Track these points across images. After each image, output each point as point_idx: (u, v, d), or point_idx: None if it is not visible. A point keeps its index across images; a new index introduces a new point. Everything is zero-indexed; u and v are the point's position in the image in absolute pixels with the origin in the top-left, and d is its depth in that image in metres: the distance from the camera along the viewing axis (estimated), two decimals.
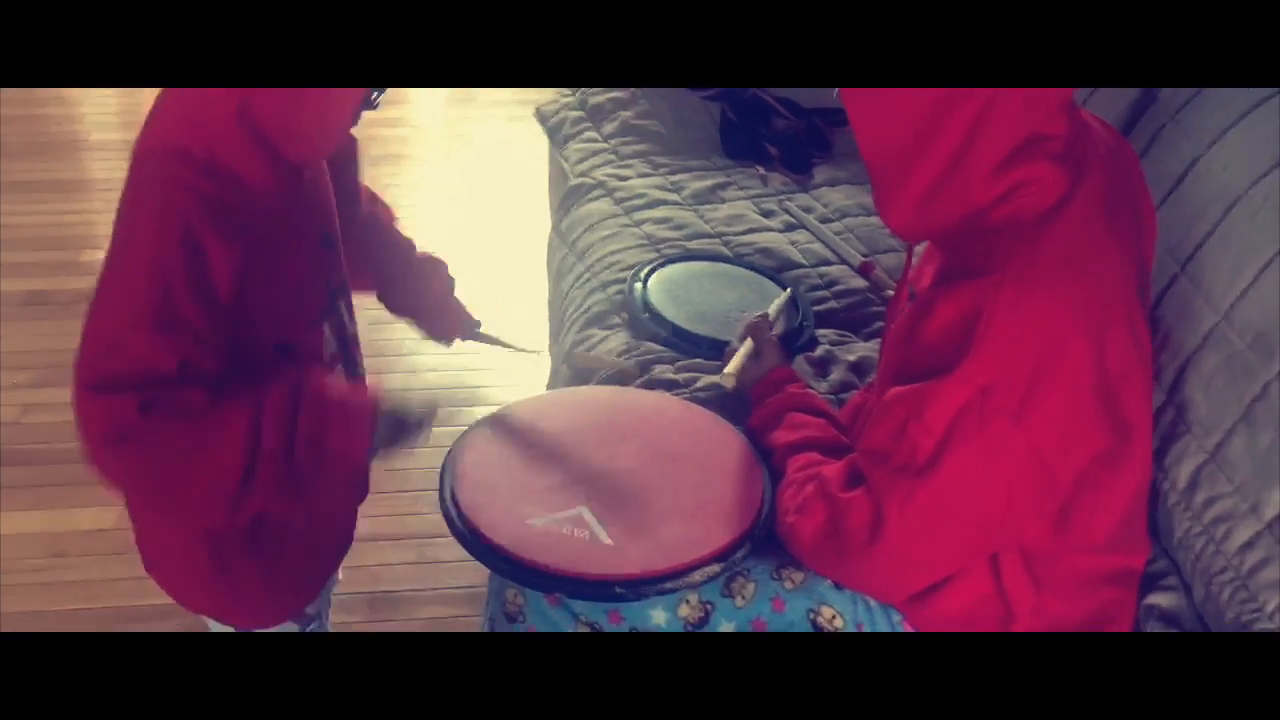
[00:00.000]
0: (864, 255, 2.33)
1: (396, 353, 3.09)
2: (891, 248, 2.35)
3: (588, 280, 2.32)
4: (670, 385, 1.91)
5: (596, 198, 2.59)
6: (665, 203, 2.54)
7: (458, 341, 1.86)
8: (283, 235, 1.42)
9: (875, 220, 2.36)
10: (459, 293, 1.83)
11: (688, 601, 1.51)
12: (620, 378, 1.95)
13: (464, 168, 4.31)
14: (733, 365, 1.72)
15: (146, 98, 1.41)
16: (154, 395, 1.29)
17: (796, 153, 2.73)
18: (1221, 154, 1.63)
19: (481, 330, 1.86)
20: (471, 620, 2.33)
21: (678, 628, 1.52)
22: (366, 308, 1.79)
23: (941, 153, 1.29)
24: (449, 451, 1.56)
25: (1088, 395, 1.29)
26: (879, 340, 1.91)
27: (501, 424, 1.63)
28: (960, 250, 1.36)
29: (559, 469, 1.54)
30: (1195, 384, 1.52)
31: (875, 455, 1.35)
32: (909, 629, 1.48)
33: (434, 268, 1.81)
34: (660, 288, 2.15)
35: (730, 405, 1.73)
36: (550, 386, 2.26)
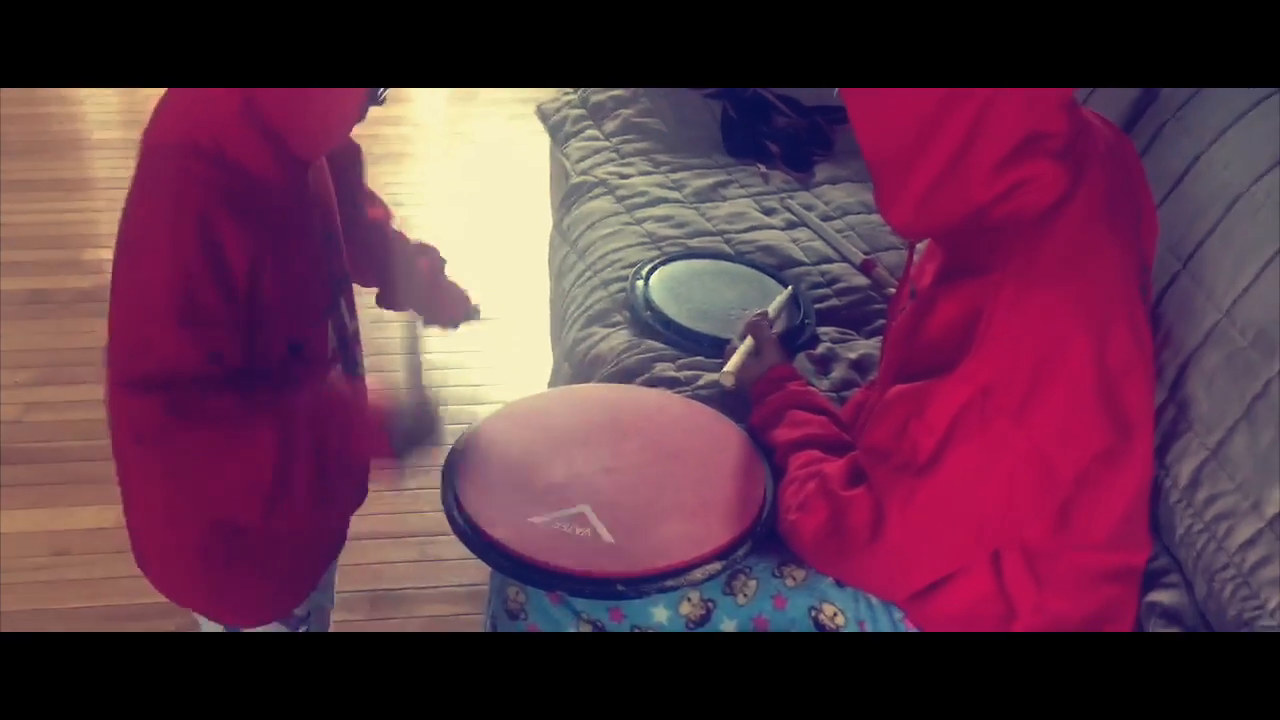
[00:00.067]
0: (865, 253, 2.33)
1: (397, 351, 3.07)
2: (893, 245, 2.35)
3: (589, 278, 2.32)
4: (672, 383, 1.91)
5: (598, 196, 2.59)
6: (666, 201, 2.54)
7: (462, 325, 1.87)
8: (290, 229, 1.43)
9: (876, 218, 2.36)
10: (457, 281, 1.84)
11: (689, 599, 1.51)
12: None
13: (465, 166, 4.31)
14: (732, 363, 1.72)
15: (147, 97, 1.41)
16: (183, 396, 1.31)
17: (798, 150, 2.73)
18: (1223, 151, 1.63)
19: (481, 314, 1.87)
20: (473, 618, 2.33)
21: (679, 625, 1.52)
22: (368, 306, 1.80)
23: (942, 151, 1.29)
24: (450, 450, 1.56)
25: (1089, 393, 1.29)
26: (880, 338, 1.91)
27: (503, 422, 1.63)
28: (961, 248, 1.36)
29: (561, 467, 1.54)
30: (1197, 381, 1.52)
31: (876, 453, 1.35)
32: (910, 627, 1.48)
33: (425, 253, 1.82)
34: (662, 286, 2.15)
35: (732, 403, 1.73)
36: (552, 384, 2.26)
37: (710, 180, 2.64)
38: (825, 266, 2.31)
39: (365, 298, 1.74)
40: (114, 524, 1.57)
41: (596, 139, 2.86)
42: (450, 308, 1.85)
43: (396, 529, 2.56)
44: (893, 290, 1.95)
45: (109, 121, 4.39)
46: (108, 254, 1.37)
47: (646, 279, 2.16)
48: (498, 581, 1.59)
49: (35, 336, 3.14)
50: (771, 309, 1.97)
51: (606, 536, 1.43)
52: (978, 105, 1.26)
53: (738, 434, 1.63)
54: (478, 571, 1.80)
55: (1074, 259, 1.29)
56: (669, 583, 1.40)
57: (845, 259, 2.33)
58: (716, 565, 1.42)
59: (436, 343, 1.90)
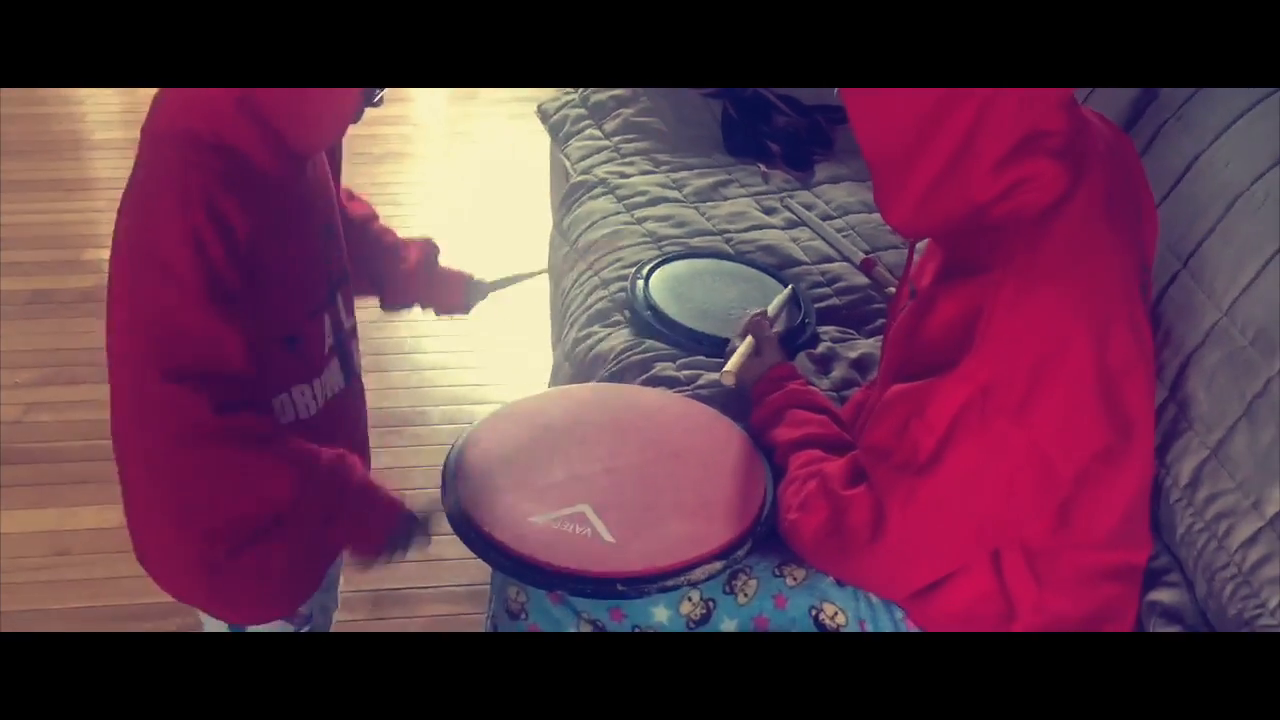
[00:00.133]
0: (866, 252, 2.33)
1: (396, 350, 3.09)
2: (893, 245, 2.35)
3: (589, 278, 2.32)
4: (672, 382, 1.91)
5: (598, 195, 2.59)
6: (667, 200, 2.54)
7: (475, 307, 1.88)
8: (288, 220, 1.44)
9: (877, 217, 2.35)
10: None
11: (690, 599, 1.51)
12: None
13: (465, 165, 4.31)
14: (733, 363, 1.72)
15: (147, 97, 1.41)
16: (226, 395, 1.33)
17: (798, 150, 2.73)
18: (1223, 150, 1.63)
19: (489, 283, 1.87)
20: (474, 618, 2.33)
21: (680, 625, 1.52)
22: (366, 306, 1.79)
23: (942, 150, 1.29)
24: (450, 449, 1.56)
25: (1089, 392, 1.29)
26: (881, 337, 1.91)
27: (503, 421, 1.63)
28: (961, 247, 1.36)
29: (561, 466, 1.54)
30: (1197, 380, 1.52)
31: (877, 452, 1.36)
32: (911, 626, 1.48)
33: (414, 245, 1.82)
34: (662, 285, 2.15)
35: (732, 402, 1.73)
36: (552, 384, 2.26)
37: (710, 180, 2.64)
38: (825, 266, 2.31)
39: (363, 298, 1.74)
40: (115, 524, 1.57)
41: (597, 138, 2.86)
42: (451, 293, 1.86)
43: None
44: (893, 289, 1.95)
45: (109, 121, 4.39)
46: (108, 254, 1.37)
47: (647, 278, 2.16)
48: (498, 581, 1.59)
49: (36, 337, 3.14)
50: (771, 308, 1.97)
51: (607, 536, 1.43)
52: (977, 104, 1.26)
53: (738, 433, 1.63)
54: (479, 571, 1.80)
55: (1074, 258, 1.29)
56: (669, 582, 1.40)
57: (845, 258, 2.33)
58: (717, 565, 1.42)
59: (435, 342, 1.91)
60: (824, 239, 2.40)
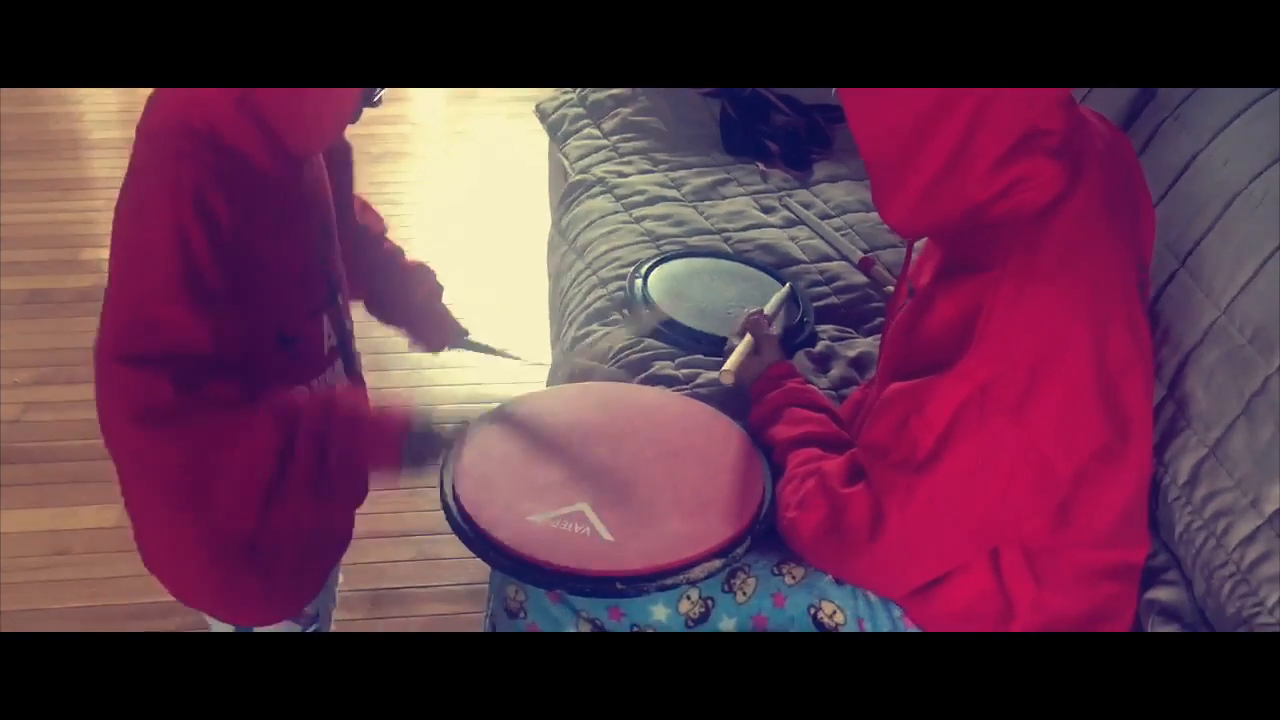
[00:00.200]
0: (864, 251, 2.33)
1: (395, 350, 3.07)
2: (892, 243, 2.35)
3: (588, 277, 2.32)
4: (671, 381, 1.91)
5: (596, 194, 2.59)
6: (665, 199, 2.54)
7: (446, 351, 1.87)
8: (284, 219, 1.43)
9: (875, 216, 2.36)
10: (450, 298, 1.84)
11: (688, 597, 1.51)
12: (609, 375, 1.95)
13: (464, 165, 4.31)
14: (732, 361, 1.72)
15: (145, 97, 1.41)
16: (189, 373, 1.31)
17: (796, 149, 2.73)
18: (1222, 149, 1.63)
19: (469, 339, 1.86)
20: (473, 617, 2.33)
21: (679, 623, 1.52)
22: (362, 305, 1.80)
23: (940, 150, 1.29)
24: (449, 448, 1.56)
25: (1087, 390, 1.29)
26: (879, 336, 1.91)
27: (502, 421, 1.63)
28: (959, 246, 1.36)
29: (559, 465, 1.54)
30: (1195, 379, 1.52)
31: (875, 451, 1.36)
32: (910, 624, 1.48)
33: (421, 275, 1.82)
34: (660, 284, 2.15)
35: (731, 401, 1.73)
36: (550, 383, 2.26)
37: (709, 179, 2.64)
38: (824, 265, 2.31)
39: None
40: (114, 523, 1.57)
41: (595, 137, 2.87)
42: (438, 333, 1.85)
43: (396, 528, 2.56)
44: (891, 288, 1.95)
45: (107, 121, 4.39)
46: (107, 253, 1.37)
47: (645, 277, 2.16)
48: (497, 580, 1.59)
49: (34, 336, 3.15)
50: (769, 306, 1.97)
51: (605, 535, 1.43)
52: (975, 104, 1.26)
53: (737, 432, 1.63)
54: (477, 570, 1.80)
55: (1072, 256, 1.29)
56: (668, 581, 1.40)
57: (844, 257, 2.33)
58: (716, 563, 1.42)
59: None
60: (822, 238, 2.40)
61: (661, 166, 2.70)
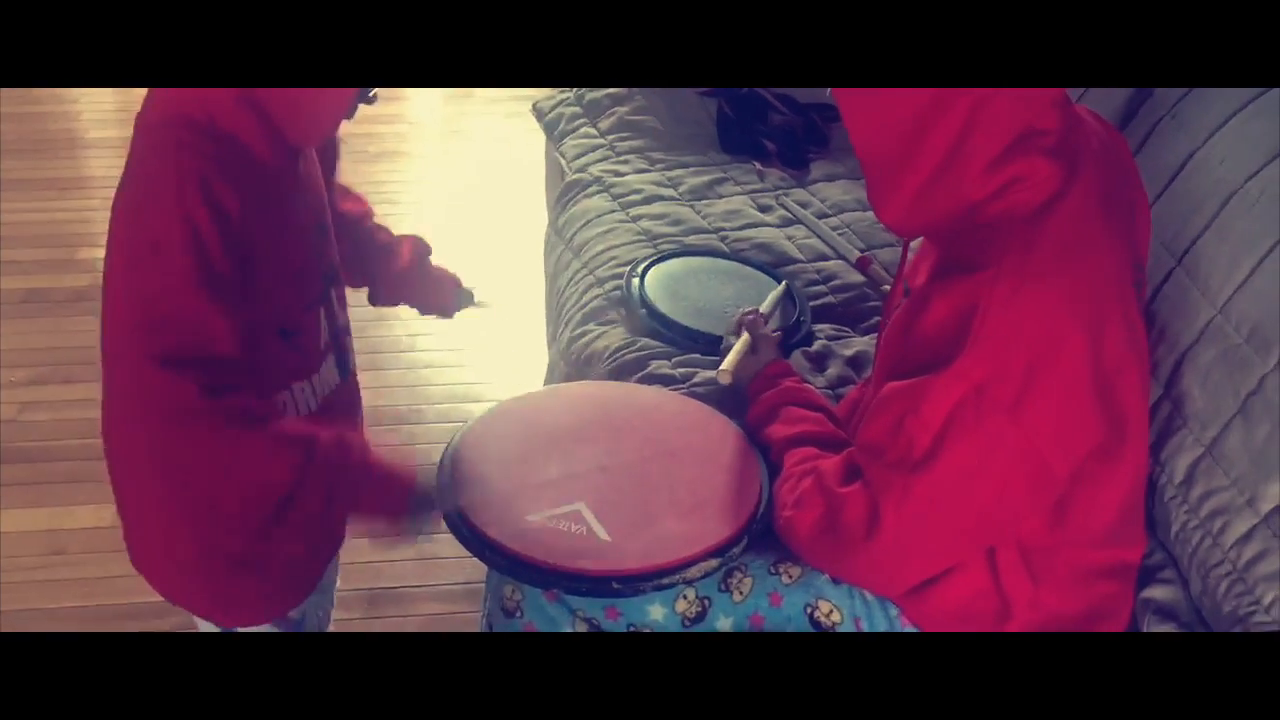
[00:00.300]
0: (861, 250, 2.33)
1: (392, 349, 3.09)
2: (888, 243, 2.35)
3: (585, 276, 2.32)
4: (667, 380, 1.91)
5: (593, 194, 2.59)
6: (662, 198, 2.54)
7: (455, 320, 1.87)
8: (283, 211, 1.43)
9: (872, 215, 2.35)
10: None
11: (685, 597, 1.51)
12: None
13: (461, 164, 4.31)
14: (729, 361, 1.72)
15: (142, 96, 1.41)
16: (216, 378, 1.31)
17: (793, 148, 2.73)
18: (1218, 148, 1.63)
19: (474, 295, 1.87)
20: (470, 616, 2.33)
21: (675, 623, 1.52)
22: (363, 304, 1.79)
23: (935, 149, 1.29)
24: (446, 448, 1.56)
25: (1083, 389, 1.29)
26: (876, 335, 1.91)
27: (498, 420, 1.63)
28: (955, 245, 1.36)
29: (556, 465, 1.54)
30: (1192, 377, 1.52)
31: (872, 450, 1.36)
32: (906, 623, 1.48)
33: (403, 242, 1.82)
34: (657, 283, 2.15)
35: (728, 400, 1.73)
36: (547, 382, 2.26)
37: (706, 178, 2.64)
38: (821, 264, 2.31)
39: (356, 296, 1.74)
40: (110, 523, 1.57)
41: (592, 136, 2.86)
42: (440, 295, 1.86)
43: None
44: (888, 287, 1.95)
45: (105, 120, 4.39)
46: (104, 253, 1.37)
47: (642, 277, 2.16)
48: (494, 580, 1.59)
49: (31, 336, 3.14)
50: (765, 305, 1.97)
51: (602, 534, 1.43)
52: (970, 104, 1.26)
53: (734, 431, 1.63)
54: (474, 570, 1.80)
55: (1068, 256, 1.29)
56: (665, 580, 1.40)
57: (841, 256, 2.33)
58: (712, 562, 1.42)
59: (431, 340, 1.91)
60: (819, 237, 2.40)
61: (658, 166, 2.70)
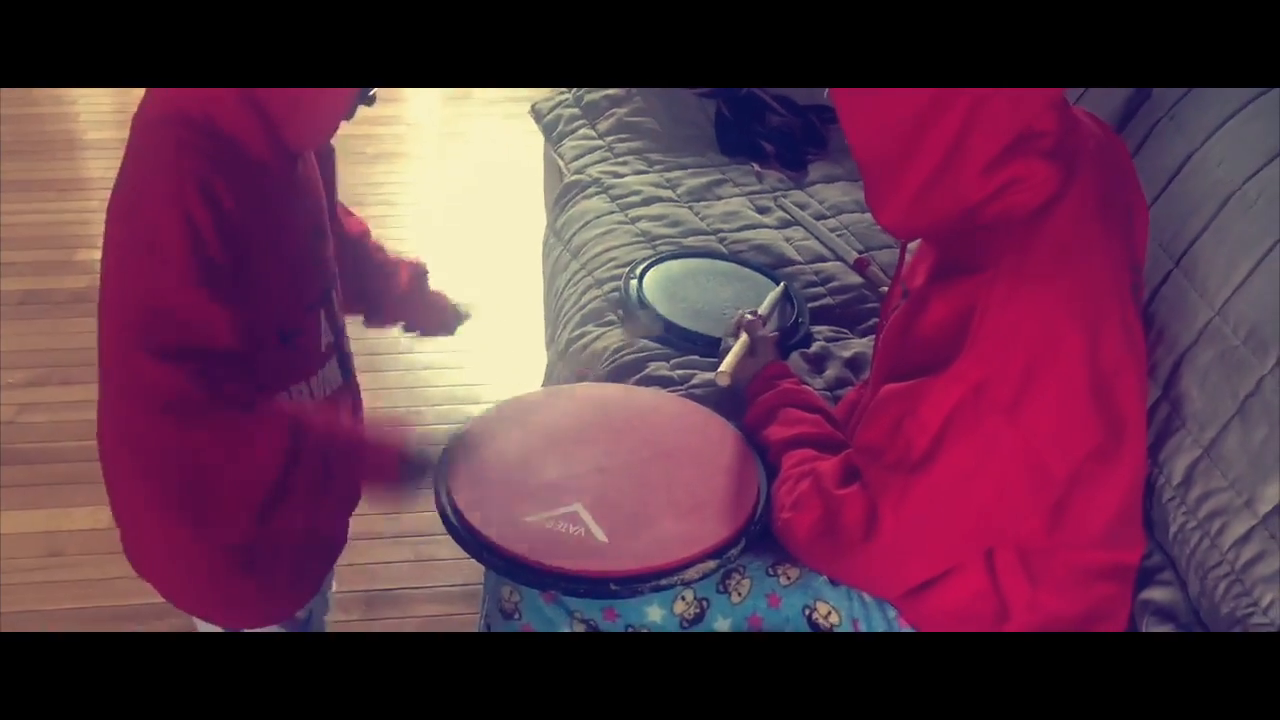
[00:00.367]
0: (859, 251, 2.33)
1: (391, 351, 3.08)
2: (887, 244, 2.35)
3: (583, 278, 2.32)
4: (666, 382, 1.91)
5: (592, 195, 2.59)
6: (660, 200, 2.54)
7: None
8: (280, 212, 1.43)
9: (870, 217, 2.35)
10: (447, 287, 1.84)
11: (683, 598, 1.51)
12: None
13: (459, 165, 4.31)
14: (727, 363, 1.72)
15: (140, 97, 1.41)
16: (210, 369, 1.31)
17: (792, 149, 2.73)
18: (1217, 149, 1.63)
19: (468, 310, 1.87)
20: (468, 618, 2.33)
21: (673, 624, 1.52)
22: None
23: (933, 151, 1.29)
24: (444, 449, 1.56)
25: (1081, 391, 1.29)
26: (874, 336, 1.91)
27: (496, 421, 1.63)
28: (953, 247, 1.36)
29: (554, 466, 1.54)
30: (1190, 379, 1.52)
31: (870, 452, 1.36)
32: (904, 624, 1.48)
33: (403, 265, 1.83)
34: (656, 285, 2.15)
35: (726, 402, 1.73)
36: (545, 384, 2.26)
37: (704, 179, 2.64)
38: (819, 265, 2.31)
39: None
40: (108, 525, 1.57)
41: (591, 138, 2.86)
42: (436, 316, 1.85)
43: (391, 529, 2.56)
44: (886, 289, 1.95)
45: (103, 122, 4.38)
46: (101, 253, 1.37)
47: (640, 278, 2.16)
48: (492, 581, 1.59)
49: (30, 337, 3.14)
50: (763, 306, 1.97)
51: (600, 535, 1.43)
52: (968, 105, 1.26)
53: (732, 433, 1.63)
54: (472, 571, 1.80)
55: (1066, 257, 1.30)
56: (663, 581, 1.40)
57: (839, 258, 2.33)
58: (711, 564, 1.42)
59: (430, 342, 1.90)
60: (818, 238, 2.40)
61: (657, 167, 2.70)
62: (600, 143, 2.83)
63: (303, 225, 1.50)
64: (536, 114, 3.10)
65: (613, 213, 2.50)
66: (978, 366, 1.27)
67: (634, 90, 2.95)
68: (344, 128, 1.47)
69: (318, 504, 1.43)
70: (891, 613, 1.49)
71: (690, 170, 2.68)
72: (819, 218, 2.49)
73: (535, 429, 1.61)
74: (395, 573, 2.50)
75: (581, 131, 2.90)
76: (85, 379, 1.36)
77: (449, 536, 1.46)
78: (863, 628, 1.50)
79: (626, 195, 2.55)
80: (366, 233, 1.79)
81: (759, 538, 1.48)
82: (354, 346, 1.67)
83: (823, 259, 2.33)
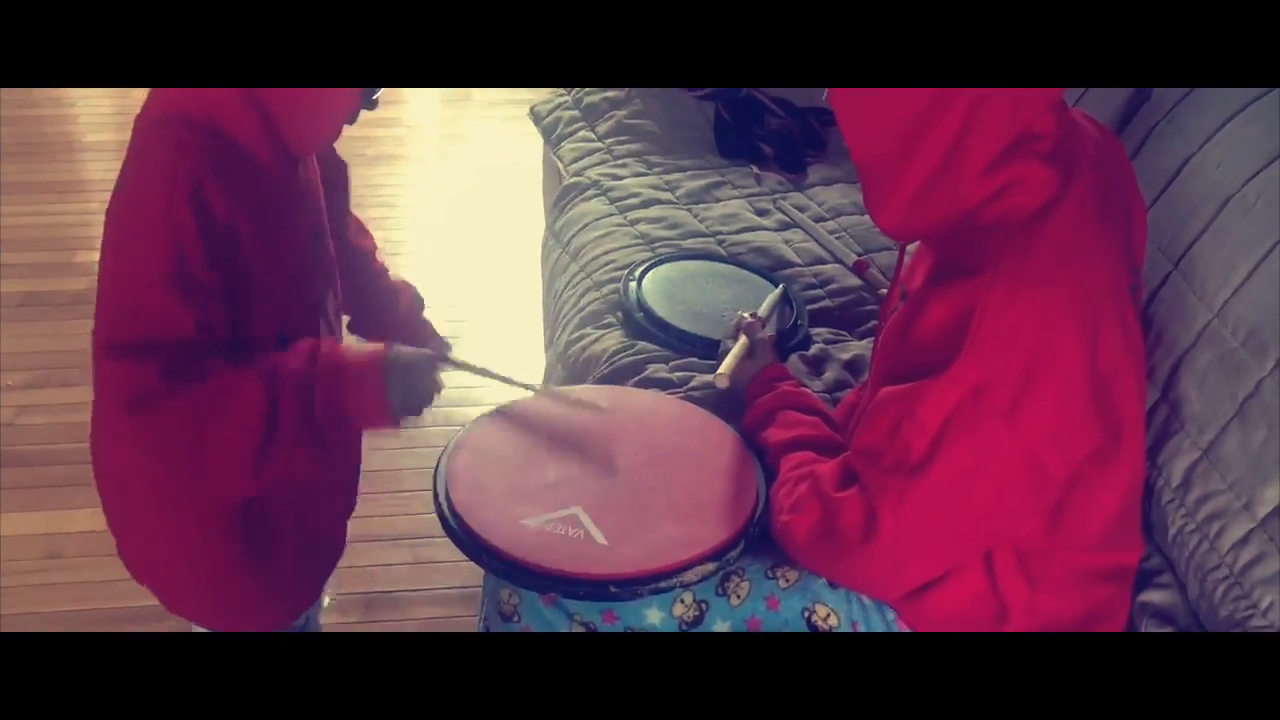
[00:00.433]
0: (858, 254, 2.34)
1: None
2: (885, 246, 2.35)
3: (582, 280, 2.32)
4: (665, 384, 1.91)
5: (591, 197, 2.59)
6: (659, 202, 2.54)
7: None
8: (279, 216, 1.43)
9: (869, 219, 2.36)
10: (443, 301, 1.84)
11: (682, 601, 1.51)
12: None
13: (459, 167, 4.31)
14: (726, 365, 1.72)
15: (140, 99, 1.41)
16: (174, 359, 1.30)
17: (791, 152, 2.73)
18: (1215, 151, 1.63)
19: (454, 356, 1.86)
20: (467, 620, 2.33)
21: (673, 627, 1.52)
22: None
23: (932, 153, 1.29)
24: (443, 452, 1.56)
25: (1080, 393, 1.29)
26: (873, 339, 1.91)
27: (495, 424, 1.63)
28: (952, 250, 1.36)
29: (553, 468, 1.54)
30: (1189, 381, 1.52)
31: (868, 454, 1.36)
32: (903, 627, 1.48)
33: (404, 290, 1.84)
34: (655, 287, 2.15)
35: (725, 404, 1.73)
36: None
37: (703, 181, 2.64)
38: (818, 267, 2.31)
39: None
40: (107, 527, 1.58)
41: (590, 140, 2.86)
42: (421, 344, 1.85)
43: (389, 531, 2.56)
44: (885, 291, 1.95)
45: (102, 124, 4.39)
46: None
47: (639, 280, 2.16)
48: (491, 584, 1.59)
49: (29, 339, 3.14)
50: (763, 308, 1.97)
51: (599, 538, 1.43)
52: (966, 107, 1.26)
53: (730, 435, 1.63)
54: (471, 574, 1.80)
55: (1064, 260, 1.30)
56: (662, 584, 1.40)
57: (838, 260, 2.34)
58: (709, 566, 1.42)
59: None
60: (817, 241, 2.40)
61: (656, 169, 2.70)
62: (599, 145, 2.83)
63: (302, 228, 1.50)
64: (535, 116, 3.10)
65: (612, 215, 2.50)
66: (976, 368, 1.27)
67: (633, 92, 2.95)
68: (344, 130, 1.47)
69: (313, 443, 1.40)
70: (890, 615, 1.49)
71: (689, 172, 2.69)
72: (818, 220, 2.49)
73: (534, 431, 1.61)
74: (394, 575, 2.50)
75: (580, 134, 2.90)
76: (85, 381, 1.36)
77: (448, 539, 1.46)
78: (862, 630, 1.50)
79: (625, 197, 2.55)
80: (374, 249, 1.80)
81: (758, 540, 1.48)
82: None
83: (822, 261, 2.33)
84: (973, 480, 1.31)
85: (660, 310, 2.08)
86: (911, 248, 1.54)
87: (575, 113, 2.97)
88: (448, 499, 1.48)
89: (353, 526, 1.72)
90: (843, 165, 2.69)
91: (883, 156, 1.34)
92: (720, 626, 1.52)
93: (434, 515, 1.48)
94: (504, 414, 1.65)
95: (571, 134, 2.92)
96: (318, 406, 1.38)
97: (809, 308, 2.16)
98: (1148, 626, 1.52)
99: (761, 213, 2.52)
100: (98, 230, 1.37)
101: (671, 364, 1.98)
